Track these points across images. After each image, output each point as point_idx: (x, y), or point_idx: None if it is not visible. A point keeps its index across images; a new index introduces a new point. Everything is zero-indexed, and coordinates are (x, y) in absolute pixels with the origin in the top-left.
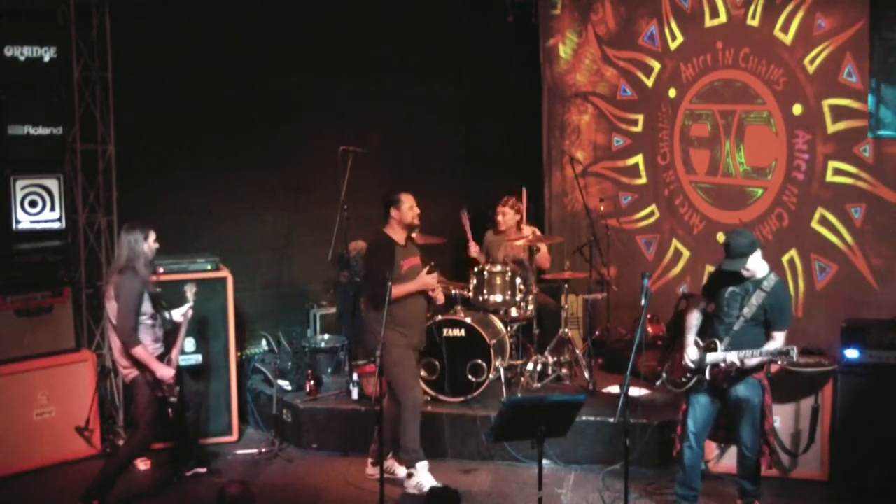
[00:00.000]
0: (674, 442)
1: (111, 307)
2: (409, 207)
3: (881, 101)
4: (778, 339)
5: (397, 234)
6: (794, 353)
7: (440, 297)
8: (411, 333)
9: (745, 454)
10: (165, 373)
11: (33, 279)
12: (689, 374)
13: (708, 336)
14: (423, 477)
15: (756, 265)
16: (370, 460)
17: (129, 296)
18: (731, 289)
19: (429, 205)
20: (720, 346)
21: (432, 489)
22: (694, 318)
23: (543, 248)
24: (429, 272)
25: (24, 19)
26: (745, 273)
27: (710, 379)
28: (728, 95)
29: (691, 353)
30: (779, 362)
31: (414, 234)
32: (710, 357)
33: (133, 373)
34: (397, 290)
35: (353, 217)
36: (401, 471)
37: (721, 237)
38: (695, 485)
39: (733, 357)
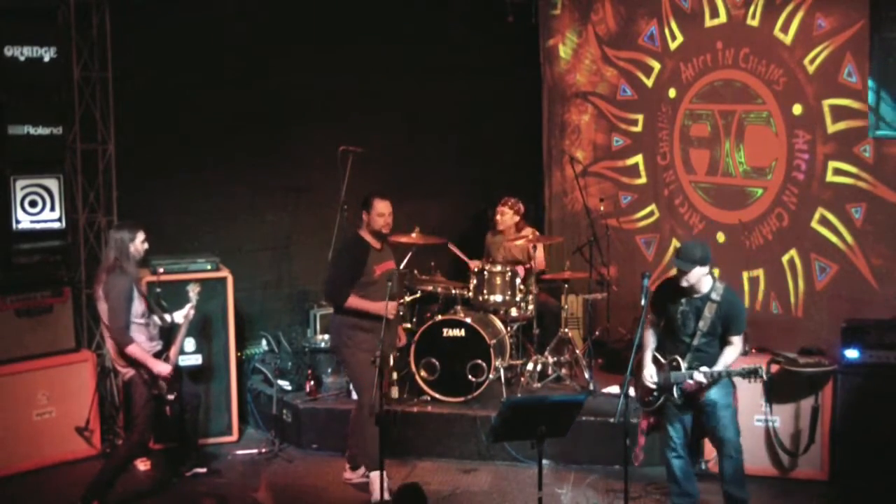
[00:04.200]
0: (635, 454)
1: (102, 308)
2: (378, 214)
3: (881, 100)
4: (736, 344)
5: (369, 238)
6: (763, 371)
7: (402, 339)
8: (374, 341)
9: (730, 455)
10: (161, 369)
11: (33, 279)
12: (655, 394)
13: (668, 353)
14: (374, 486)
15: (698, 278)
16: (348, 465)
17: (117, 296)
18: (681, 308)
19: (429, 205)
20: (683, 364)
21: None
22: (649, 336)
23: (540, 250)
24: (391, 298)
25: (24, 19)
26: (684, 283)
27: (678, 396)
28: (728, 95)
29: (650, 373)
30: (748, 380)
31: (415, 235)
32: (675, 376)
33: (129, 372)
34: (356, 303)
35: (353, 217)
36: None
37: (721, 237)
38: (692, 490)
39: (700, 377)
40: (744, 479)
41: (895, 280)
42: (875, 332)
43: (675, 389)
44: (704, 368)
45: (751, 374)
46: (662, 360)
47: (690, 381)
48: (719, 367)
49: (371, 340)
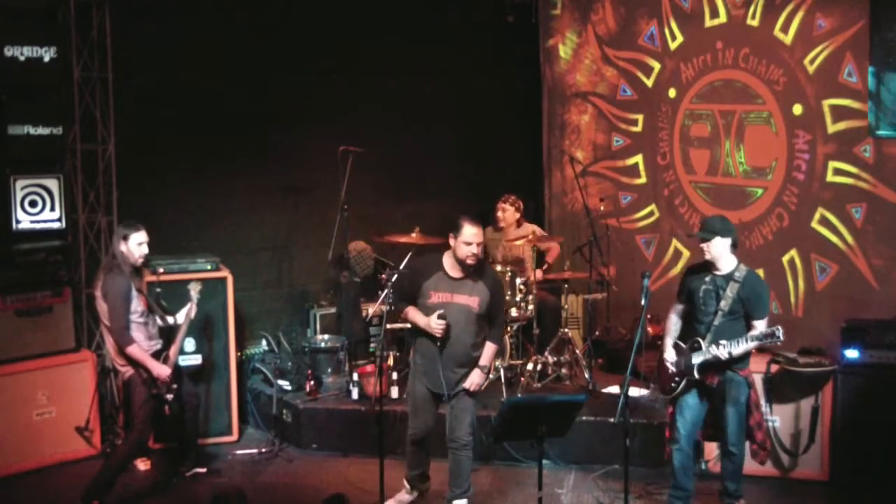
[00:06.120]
0: (665, 445)
1: (101, 307)
2: (464, 242)
3: (881, 100)
4: (759, 328)
5: (449, 262)
6: (780, 332)
7: (473, 384)
8: (424, 369)
9: (730, 451)
10: (161, 372)
11: (33, 279)
12: (677, 379)
13: (689, 337)
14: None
15: (720, 251)
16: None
17: (116, 295)
18: (704, 287)
19: (429, 205)
20: (703, 345)
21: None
22: (671, 323)
23: (551, 244)
24: (439, 317)
25: (24, 19)
26: (707, 256)
27: (699, 378)
28: (728, 95)
29: (671, 357)
30: (768, 344)
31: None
32: (696, 357)
33: (128, 371)
34: (410, 314)
35: (353, 217)
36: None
37: None
38: (686, 485)
39: (719, 351)
40: (741, 474)
41: (895, 280)
42: (875, 332)
43: (694, 369)
44: (723, 342)
45: (768, 337)
46: (683, 346)
47: (709, 356)
48: (737, 341)
49: (428, 369)
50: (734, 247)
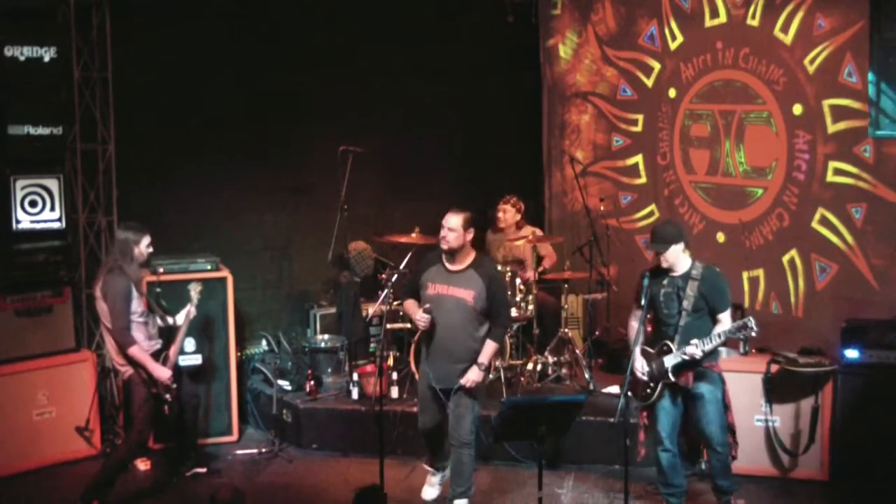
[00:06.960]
0: (637, 448)
1: (101, 307)
2: (440, 225)
3: (881, 101)
4: (724, 321)
5: (443, 254)
6: (752, 322)
7: (469, 380)
8: (426, 363)
9: (716, 450)
10: (161, 374)
11: (33, 279)
12: (652, 385)
13: (657, 341)
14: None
15: (676, 257)
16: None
17: (117, 296)
18: (663, 290)
19: (429, 205)
20: (673, 347)
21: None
22: (634, 331)
23: (548, 247)
24: (425, 311)
25: (24, 19)
26: (664, 264)
27: (675, 381)
28: (728, 95)
29: (639, 365)
30: (741, 337)
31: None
32: (669, 360)
33: (128, 371)
34: (406, 307)
35: (353, 217)
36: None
37: (721, 237)
38: (677, 482)
39: (692, 350)
40: (730, 470)
41: (895, 280)
42: (875, 332)
43: (669, 373)
44: (695, 341)
45: (740, 329)
46: (651, 351)
47: (685, 356)
48: (709, 338)
49: (427, 361)
50: (687, 247)
